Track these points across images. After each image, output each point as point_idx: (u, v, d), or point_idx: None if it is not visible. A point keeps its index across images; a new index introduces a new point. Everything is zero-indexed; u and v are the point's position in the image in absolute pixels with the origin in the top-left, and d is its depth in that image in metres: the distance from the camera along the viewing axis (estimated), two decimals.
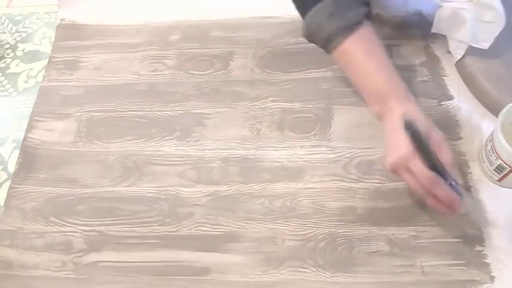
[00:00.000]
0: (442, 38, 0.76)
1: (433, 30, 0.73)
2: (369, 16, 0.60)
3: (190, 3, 0.84)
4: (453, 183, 0.53)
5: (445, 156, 0.53)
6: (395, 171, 0.55)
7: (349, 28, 0.58)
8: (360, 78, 0.60)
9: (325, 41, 0.60)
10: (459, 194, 0.54)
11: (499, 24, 0.66)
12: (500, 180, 0.62)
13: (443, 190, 0.52)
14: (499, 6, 0.64)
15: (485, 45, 0.69)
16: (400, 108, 0.56)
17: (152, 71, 0.77)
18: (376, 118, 0.61)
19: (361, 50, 0.59)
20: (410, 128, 0.51)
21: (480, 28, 0.67)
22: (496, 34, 0.67)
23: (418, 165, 0.52)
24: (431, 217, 0.60)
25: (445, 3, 0.69)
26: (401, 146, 0.53)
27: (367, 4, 0.60)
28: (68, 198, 0.65)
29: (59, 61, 0.80)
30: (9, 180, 0.68)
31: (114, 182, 0.66)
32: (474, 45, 0.69)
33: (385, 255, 0.58)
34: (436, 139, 0.54)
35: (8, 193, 0.66)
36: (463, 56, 0.71)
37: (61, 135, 0.71)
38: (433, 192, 0.53)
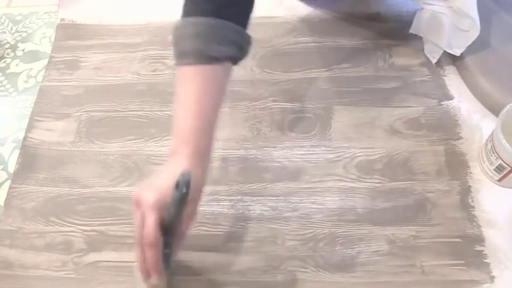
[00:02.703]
0: None
1: (411, 31, 0.73)
2: (234, 60, 0.55)
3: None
4: (168, 252, 0.49)
5: (184, 228, 0.50)
6: (137, 203, 0.48)
7: (206, 59, 0.52)
8: (180, 109, 0.53)
9: (180, 53, 0.53)
10: (167, 266, 0.50)
11: (474, 33, 0.67)
12: (500, 180, 0.62)
13: (155, 252, 0.47)
14: (476, 16, 0.66)
15: (458, 52, 0.70)
16: (186, 161, 0.50)
17: (152, 71, 0.77)
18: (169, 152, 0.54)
19: (199, 85, 0.52)
20: (180, 188, 0.46)
21: (455, 35, 0.69)
22: (469, 43, 0.68)
23: (154, 218, 0.46)
24: (431, 217, 0.61)
25: (426, 6, 0.69)
26: (160, 188, 0.47)
27: (242, 49, 0.55)
28: (68, 198, 0.65)
29: (59, 61, 0.80)
30: (9, 180, 0.68)
31: (114, 182, 0.66)
32: (448, 51, 0.71)
33: (385, 255, 0.58)
34: (190, 210, 0.50)
35: (8, 193, 0.66)
36: (463, 56, 0.71)
37: (61, 135, 0.71)
38: (145, 248, 0.47)
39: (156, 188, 0.48)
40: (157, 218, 0.47)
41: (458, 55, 0.70)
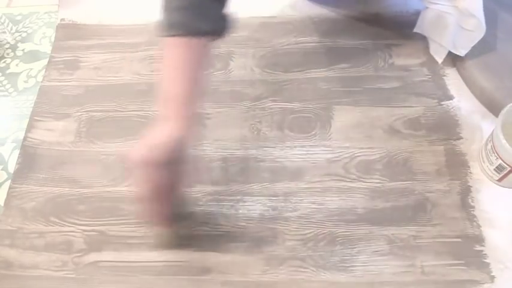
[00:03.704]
0: None
1: (415, 30, 0.74)
2: (219, 31, 0.58)
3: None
4: (176, 207, 0.55)
5: (183, 183, 0.55)
6: (137, 163, 0.51)
7: (192, 31, 0.54)
8: (166, 78, 0.56)
9: (167, 25, 0.55)
10: (174, 216, 0.56)
11: (479, 33, 0.67)
12: (500, 180, 0.62)
13: (163, 206, 0.53)
14: (481, 16, 0.66)
15: (462, 52, 0.70)
16: (180, 124, 0.53)
17: (152, 71, 0.77)
18: (157, 115, 0.57)
19: (183, 55, 0.55)
20: (177, 149, 0.51)
21: (460, 35, 0.69)
22: (474, 43, 0.68)
23: (160, 173, 0.50)
24: (431, 217, 0.61)
25: (431, 5, 0.69)
26: (161, 148, 0.51)
27: (222, 26, 0.58)
28: (68, 198, 0.65)
29: (59, 61, 0.80)
30: (9, 180, 0.68)
31: (114, 181, 0.66)
32: (452, 51, 0.71)
33: (385, 255, 0.58)
34: (182, 166, 0.53)
35: (8, 193, 0.66)
36: (463, 56, 0.71)
37: (61, 135, 0.71)
38: (159, 200, 0.52)
39: (155, 146, 0.51)
40: (162, 173, 0.50)
41: (463, 55, 0.70)
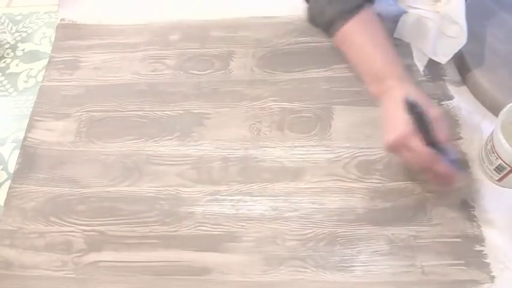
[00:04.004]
0: None
1: (394, 35, 0.72)
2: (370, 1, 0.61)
3: (190, 3, 0.84)
4: (451, 158, 0.56)
5: (442, 133, 0.55)
6: (394, 149, 0.56)
7: (350, 11, 0.59)
8: (360, 59, 0.61)
9: (327, 25, 0.61)
10: (457, 167, 0.56)
11: (461, 40, 0.65)
12: (500, 180, 0.62)
13: (442, 166, 0.55)
14: (463, 23, 0.64)
15: (444, 60, 0.69)
16: (399, 88, 0.56)
17: (152, 71, 0.77)
18: (374, 98, 0.61)
19: (361, 32, 0.60)
20: (415, 110, 0.53)
21: (442, 41, 0.67)
22: (456, 50, 0.67)
23: (419, 144, 0.53)
24: (431, 217, 0.61)
25: (411, 10, 0.68)
26: (401, 125, 0.54)
27: None
28: (68, 198, 0.65)
29: (59, 61, 0.80)
30: (9, 180, 0.68)
31: (114, 182, 0.66)
32: (433, 58, 0.69)
33: (385, 255, 0.58)
34: (435, 116, 0.55)
35: (8, 193, 0.66)
36: (463, 57, 0.71)
37: (61, 135, 0.71)
38: (433, 169, 0.55)
39: (393, 126, 0.55)
40: (419, 140, 0.53)
41: (444, 63, 0.69)
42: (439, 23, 0.66)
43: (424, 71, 0.72)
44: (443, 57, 0.69)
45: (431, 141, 0.54)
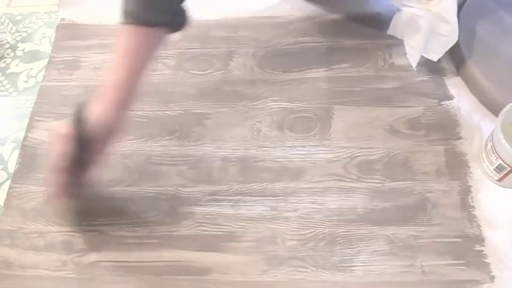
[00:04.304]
0: None
1: (388, 32, 0.72)
2: (168, 29, 0.59)
3: (190, 3, 0.84)
4: (72, 180, 0.56)
5: (92, 159, 0.57)
6: (51, 138, 0.56)
7: (141, 21, 0.56)
8: (115, 62, 0.58)
9: (122, 12, 0.58)
10: (72, 191, 0.57)
11: (452, 38, 0.66)
12: (500, 180, 0.62)
13: (58, 177, 0.55)
14: (455, 21, 0.64)
15: (435, 58, 0.69)
16: (101, 106, 0.56)
17: (152, 71, 0.77)
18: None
19: (128, 43, 0.57)
20: (76, 113, 0.54)
21: (433, 39, 0.67)
22: (447, 48, 0.67)
23: (59, 147, 0.54)
24: (431, 217, 0.61)
25: (404, 8, 0.68)
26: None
27: (175, 19, 0.60)
28: None
29: (59, 61, 0.80)
30: (9, 180, 0.68)
31: (114, 181, 0.66)
32: (424, 55, 0.70)
33: (385, 255, 0.58)
34: (97, 148, 0.56)
35: (8, 193, 0.66)
36: (463, 56, 0.71)
37: None
38: (52, 173, 0.55)
39: (66, 125, 0.55)
40: (62, 147, 0.53)
41: (435, 60, 0.69)
42: (431, 21, 0.66)
43: (416, 67, 0.72)
44: (434, 54, 0.69)
45: (74, 155, 0.54)
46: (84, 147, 0.54)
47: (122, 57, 0.57)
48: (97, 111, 0.55)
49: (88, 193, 0.61)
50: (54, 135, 0.55)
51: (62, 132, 0.54)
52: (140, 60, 0.58)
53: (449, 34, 0.66)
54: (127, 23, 0.57)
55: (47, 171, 0.56)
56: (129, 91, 0.57)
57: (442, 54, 0.69)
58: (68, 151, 0.54)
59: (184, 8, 0.60)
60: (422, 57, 0.74)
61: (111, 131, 0.56)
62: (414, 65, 0.72)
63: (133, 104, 0.58)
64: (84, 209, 0.62)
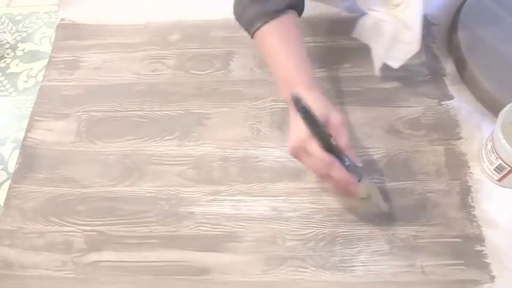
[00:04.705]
0: (442, 38, 0.76)
1: (353, 35, 0.71)
2: (295, 6, 0.61)
3: (190, 3, 0.84)
4: (349, 164, 0.54)
5: (341, 139, 0.54)
6: (295, 154, 0.55)
7: (270, 14, 0.59)
8: (274, 63, 0.61)
9: (247, 24, 0.61)
10: (357, 175, 0.54)
11: (415, 46, 0.64)
12: (500, 180, 0.62)
13: (337, 171, 0.53)
14: (418, 30, 0.63)
15: (396, 65, 0.68)
16: (304, 95, 0.53)
17: (152, 71, 0.77)
18: (286, 104, 0.60)
19: (277, 36, 0.59)
20: (298, 104, 0.51)
21: (395, 46, 0.66)
22: (409, 56, 0.65)
23: (314, 147, 0.52)
24: (431, 217, 0.61)
25: (370, 11, 0.67)
26: (299, 130, 0.53)
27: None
28: (68, 198, 0.65)
29: (59, 61, 0.80)
30: (9, 180, 0.68)
31: (114, 182, 0.66)
32: (385, 61, 0.68)
33: (385, 255, 0.58)
34: (334, 122, 0.54)
35: (8, 193, 0.66)
36: (463, 56, 0.71)
37: (61, 135, 0.71)
38: (328, 174, 0.53)
39: (294, 131, 0.54)
40: (315, 144, 0.52)
41: (396, 67, 0.68)
42: (395, 27, 0.65)
43: (401, 65, 0.69)
44: (395, 62, 0.68)
45: (329, 147, 0.52)
46: (319, 127, 0.52)
47: (282, 49, 0.59)
48: (310, 98, 0.52)
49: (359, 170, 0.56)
50: (294, 154, 0.55)
51: (302, 140, 0.53)
52: (297, 41, 0.60)
53: (412, 42, 0.64)
54: (259, 27, 0.59)
55: (324, 179, 0.55)
56: (312, 70, 0.60)
57: (404, 61, 0.67)
58: (319, 151, 0.52)
59: None
60: (421, 57, 0.74)
61: (328, 105, 0.55)
62: (377, 70, 0.70)
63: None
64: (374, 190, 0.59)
